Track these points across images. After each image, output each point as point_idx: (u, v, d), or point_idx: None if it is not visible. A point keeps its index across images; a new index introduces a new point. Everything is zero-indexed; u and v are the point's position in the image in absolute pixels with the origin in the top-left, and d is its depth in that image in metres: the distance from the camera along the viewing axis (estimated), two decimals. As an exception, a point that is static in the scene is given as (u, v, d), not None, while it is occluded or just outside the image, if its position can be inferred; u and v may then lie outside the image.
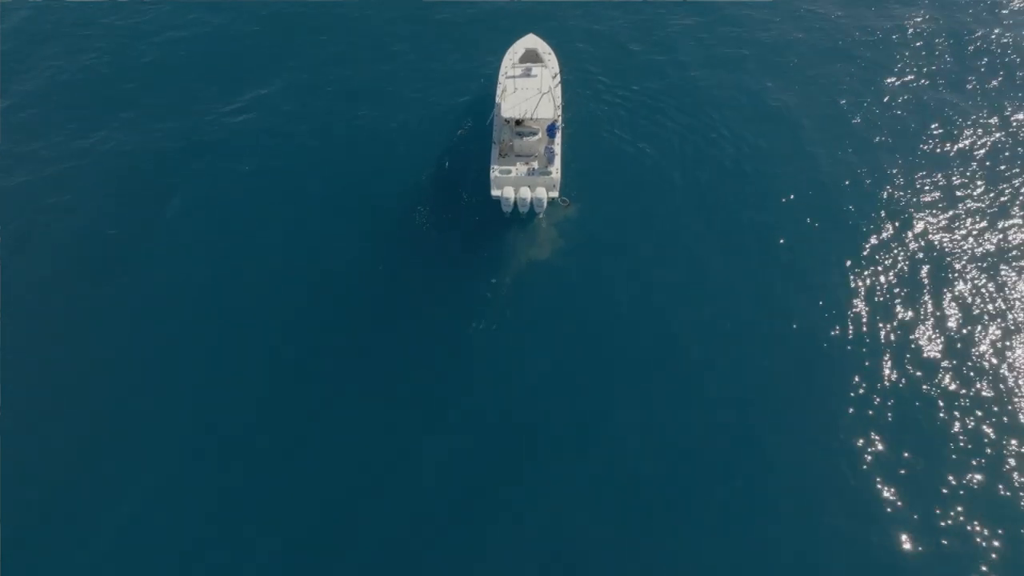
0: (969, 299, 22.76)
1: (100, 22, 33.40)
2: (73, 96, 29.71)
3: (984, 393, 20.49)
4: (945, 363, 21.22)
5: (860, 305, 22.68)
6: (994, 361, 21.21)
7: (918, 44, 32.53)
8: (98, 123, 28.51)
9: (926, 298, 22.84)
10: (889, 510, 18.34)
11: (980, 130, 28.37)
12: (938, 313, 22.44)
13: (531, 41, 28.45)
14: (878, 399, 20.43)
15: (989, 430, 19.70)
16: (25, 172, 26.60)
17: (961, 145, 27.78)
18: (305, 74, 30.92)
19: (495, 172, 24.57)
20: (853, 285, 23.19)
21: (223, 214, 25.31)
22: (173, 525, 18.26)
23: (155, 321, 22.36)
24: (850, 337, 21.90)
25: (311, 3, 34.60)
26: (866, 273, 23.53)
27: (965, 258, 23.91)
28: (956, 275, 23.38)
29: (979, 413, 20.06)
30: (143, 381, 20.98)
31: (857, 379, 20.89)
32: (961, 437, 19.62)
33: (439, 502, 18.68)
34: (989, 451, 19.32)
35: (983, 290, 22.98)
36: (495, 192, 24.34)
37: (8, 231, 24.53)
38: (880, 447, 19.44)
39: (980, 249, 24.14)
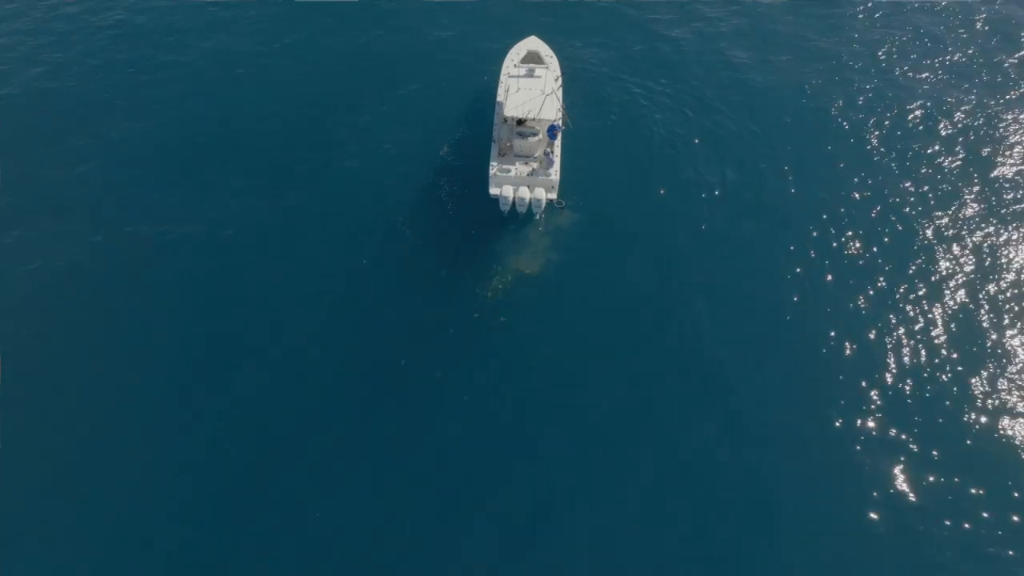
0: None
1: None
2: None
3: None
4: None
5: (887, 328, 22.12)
6: None
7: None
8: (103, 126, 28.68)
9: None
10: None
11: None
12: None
13: (533, 43, 28.08)
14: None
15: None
16: (26, 168, 26.81)
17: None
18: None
19: (494, 170, 24.33)
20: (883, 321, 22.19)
21: (219, 221, 25.19)
22: (172, 525, 18.43)
23: (155, 324, 22.50)
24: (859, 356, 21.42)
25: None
26: (897, 309, 22.52)
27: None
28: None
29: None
30: (142, 382, 21.10)
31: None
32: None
33: (434, 512, 18.73)
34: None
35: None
36: (493, 190, 24.08)
37: (9, 230, 24.73)
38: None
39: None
